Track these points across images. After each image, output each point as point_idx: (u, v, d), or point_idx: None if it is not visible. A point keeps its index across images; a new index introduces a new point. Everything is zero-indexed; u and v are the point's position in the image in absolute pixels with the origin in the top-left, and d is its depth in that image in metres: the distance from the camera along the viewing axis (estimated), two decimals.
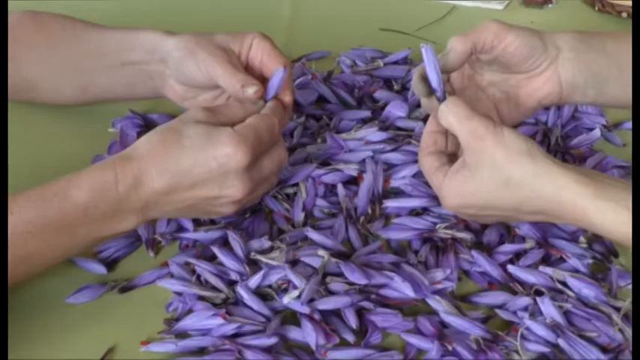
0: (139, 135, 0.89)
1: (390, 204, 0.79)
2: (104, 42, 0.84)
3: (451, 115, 0.69)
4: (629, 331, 0.67)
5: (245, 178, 0.69)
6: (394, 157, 0.84)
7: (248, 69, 0.80)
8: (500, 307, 0.70)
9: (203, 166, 0.68)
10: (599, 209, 0.64)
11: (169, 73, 0.82)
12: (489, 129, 0.67)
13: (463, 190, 0.69)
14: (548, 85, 0.76)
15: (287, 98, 0.77)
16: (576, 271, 0.72)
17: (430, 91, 0.72)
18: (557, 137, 0.88)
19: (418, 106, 0.90)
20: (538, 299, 0.69)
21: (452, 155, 0.73)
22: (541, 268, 0.72)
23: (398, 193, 0.81)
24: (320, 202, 0.80)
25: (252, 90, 0.75)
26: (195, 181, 0.69)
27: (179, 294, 0.70)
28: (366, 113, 0.90)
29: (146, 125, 0.91)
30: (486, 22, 0.74)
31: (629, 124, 0.92)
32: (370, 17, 1.17)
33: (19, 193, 0.67)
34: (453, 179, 0.69)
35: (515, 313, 0.69)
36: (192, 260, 0.72)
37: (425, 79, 0.72)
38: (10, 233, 0.64)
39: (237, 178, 0.69)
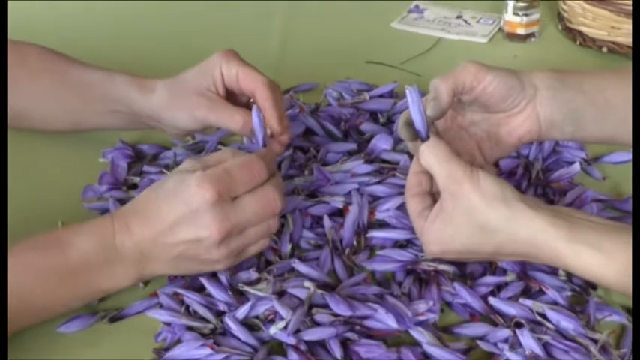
0: (130, 166, 0.91)
1: (375, 235, 0.81)
2: (87, 87, 0.87)
3: (431, 156, 0.71)
4: None
5: (216, 216, 0.70)
6: (379, 189, 0.86)
7: (230, 95, 0.83)
8: (482, 338, 0.72)
9: (176, 211, 0.70)
10: (573, 251, 0.67)
11: (162, 124, 0.85)
12: (466, 173, 0.69)
13: (442, 236, 0.71)
14: (527, 124, 0.78)
15: (279, 128, 0.80)
16: (555, 303, 0.74)
17: (415, 136, 0.75)
18: (537, 171, 0.90)
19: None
20: (518, 331, 0.71)
21: (438, 194, 0.74)
22: (521, 300, 0.74)
23: (383, 225, 0.83)
24: (307, 233, 0.82)
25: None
26: (172, 226, 0.70)
27: (168, 324, 0.72)
28: (352, 146, 0.93)
29: (136, 156, 0.93)
30: (465, 64, 0.76)
31: (609, 158, 0.94)
32: (357, 50, 1.19)
33: (21, 240, 0.69)
34: (433, 225, 0.71)
35: (495, 344, 0.71)
36: (181, 291, 0.74)
37: (410, 124, 0.74)
38: (14, 276, 0.66)
39: (208, 216, 0.70)
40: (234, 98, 0.85)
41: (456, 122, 0.81)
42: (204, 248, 0.71)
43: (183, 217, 0.70)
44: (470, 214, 0.69)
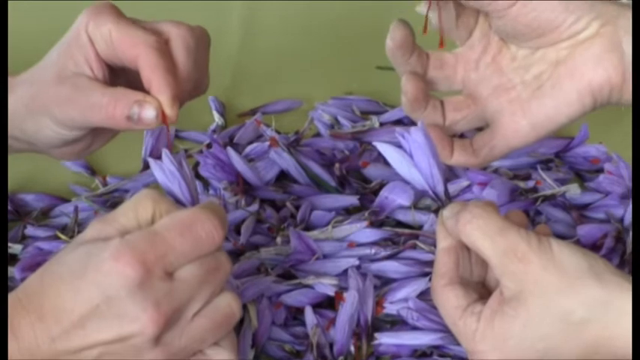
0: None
1: (385, 340, 0.85)
2: None
3: (476, 229, 0.75)
4: None
5: (146, 300, 0.72)
6: (392, 267, 0.90)
7: (124, 75, 0.85)
8: None
9: (84, 298, 0.72)
10: None
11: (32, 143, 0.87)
12: (532, 245, 0.73)
13: (505, 339, 0.74)
14: (605, 61, 0.80)
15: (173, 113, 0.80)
16: None
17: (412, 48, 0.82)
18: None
19: None
20: None
21: (479, 284, 0.79)
22: None
23: (396, 322, 0.87)
24: (278, 333, 0.86)
25: (149, 111, 0.80)
26: (81, 323, 0.72)
27: None
28: (350, 200, 0.97)
29: (16, 211, 0.97)
30: None
31: None
32: (362, 48, 1.22)
33: None
34: (490, 324, 0.74)
35: None
36: None
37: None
38: None
39: (134, 302, 0.72)
40: (133, 79, 0.84)
41: (497, 64, 0.86)
42: (133, 350, 0.73)
43: (96, 308, 0.72)
44: (546, 302, 0.72)
